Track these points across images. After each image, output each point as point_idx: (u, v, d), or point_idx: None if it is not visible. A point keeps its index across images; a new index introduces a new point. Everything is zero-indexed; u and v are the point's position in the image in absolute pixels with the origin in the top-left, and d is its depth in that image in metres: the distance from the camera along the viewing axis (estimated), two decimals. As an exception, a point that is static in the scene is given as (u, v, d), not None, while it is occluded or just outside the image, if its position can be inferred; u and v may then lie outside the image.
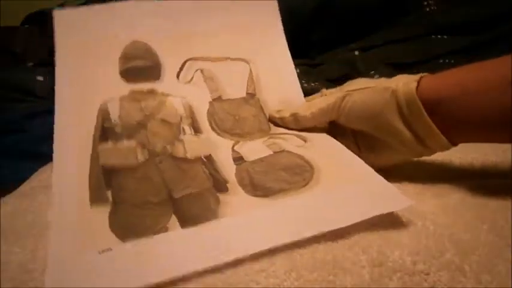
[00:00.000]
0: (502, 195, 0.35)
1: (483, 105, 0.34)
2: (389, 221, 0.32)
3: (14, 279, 0.28)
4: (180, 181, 0.36)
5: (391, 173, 0.36)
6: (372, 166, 0.36)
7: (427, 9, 0.73)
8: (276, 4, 0.48)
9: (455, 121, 0.35)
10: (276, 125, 0.44)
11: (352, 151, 0.39)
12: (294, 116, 0.42)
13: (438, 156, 0.39)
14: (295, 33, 0.70)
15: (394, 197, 0.32)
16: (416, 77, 0.37)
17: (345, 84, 0.42)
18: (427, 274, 0.28)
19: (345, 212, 0.31)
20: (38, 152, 0.52)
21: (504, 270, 0.28)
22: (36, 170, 0.46)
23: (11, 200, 0.38)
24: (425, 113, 0.35)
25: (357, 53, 0.72)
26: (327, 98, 0.40)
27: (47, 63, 0.73)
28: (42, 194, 0.39)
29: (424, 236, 0.30)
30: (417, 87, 0.36)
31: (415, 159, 0.40)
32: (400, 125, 0.37)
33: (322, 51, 0.75)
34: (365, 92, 0.38)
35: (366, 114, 0.38)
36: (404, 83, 0.36)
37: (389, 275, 0.27)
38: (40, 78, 0.69)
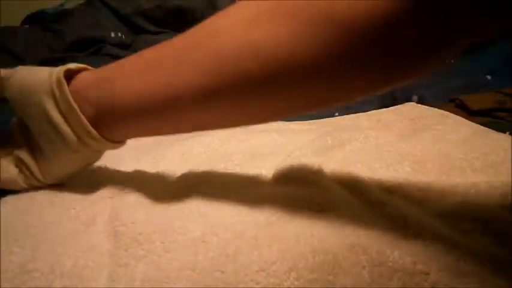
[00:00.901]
0: (501, 195, 0.35)
1: (136, 87, 0.31)
2: (390, 221, 0.32)
3: (14, 279, 0.29)
4: None
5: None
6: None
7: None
8: None
9: (110, 108, 0.33)
10: None
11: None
12: None
13: (438, 157, 0.39)
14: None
15: None
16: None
17: None
18: (427, 274, 0.27)
19: None
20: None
21: (504, 270, 0.28)
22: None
23: (11, 200, 0.38)
24: (70, 97, 0.33)
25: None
26: None
27: (47, 62, 0.73)
28: (42, 194, 0.39)
29: (424, 236, 0.30)
30: (76, 71, 0.34)
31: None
32: (54, 112, 0.34)
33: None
34: (26, 69, 0.36)
35: (22, 90, 0.35)
36: (64, 66, 0.34)
37: (389, 275, 0.27)
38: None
